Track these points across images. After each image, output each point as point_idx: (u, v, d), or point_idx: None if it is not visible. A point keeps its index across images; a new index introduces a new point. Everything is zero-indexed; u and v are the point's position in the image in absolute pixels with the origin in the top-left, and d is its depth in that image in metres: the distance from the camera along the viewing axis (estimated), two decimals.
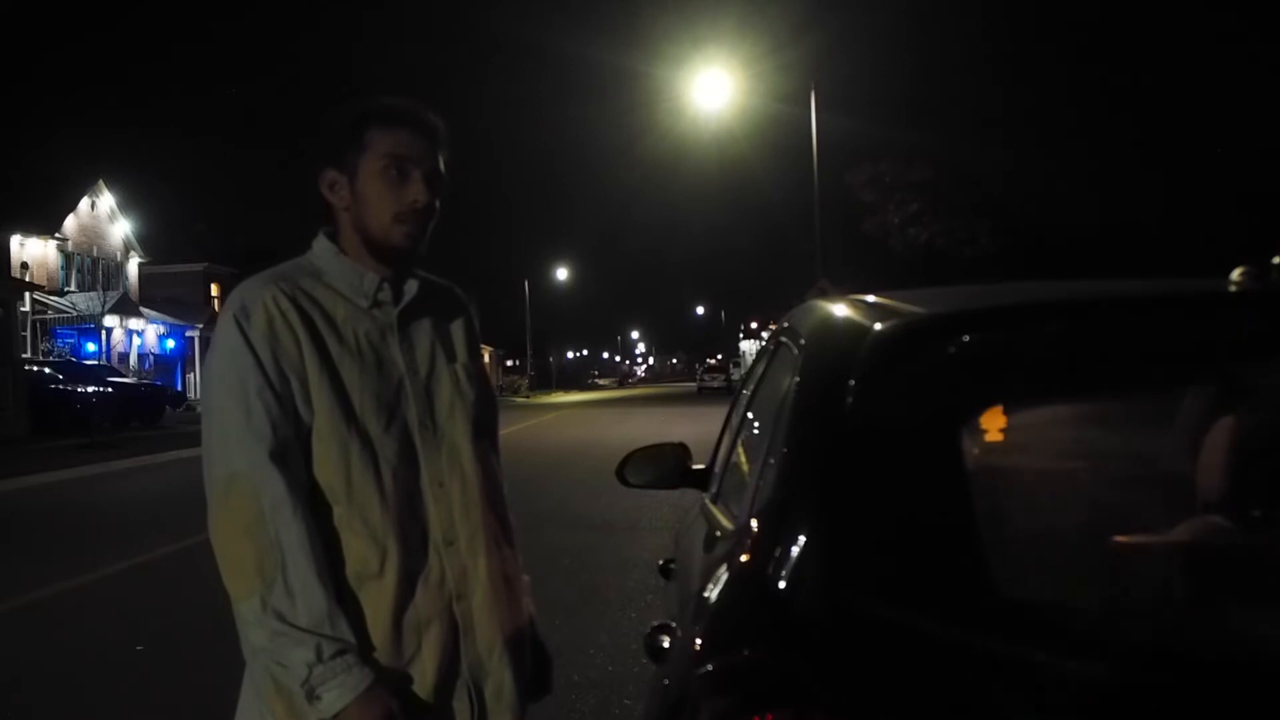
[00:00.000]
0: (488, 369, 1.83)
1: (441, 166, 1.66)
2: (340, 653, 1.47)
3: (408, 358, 1.65)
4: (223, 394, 1.53)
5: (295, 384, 1.54)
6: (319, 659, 1.45)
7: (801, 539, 1.22)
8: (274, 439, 1.50)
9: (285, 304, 1.57)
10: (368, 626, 1.54)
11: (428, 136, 1.64)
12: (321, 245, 1.67)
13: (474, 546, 1.63)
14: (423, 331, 1.68)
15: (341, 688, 1.45)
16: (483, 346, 1.82)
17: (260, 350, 1.53)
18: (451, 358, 1.70)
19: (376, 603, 1.54)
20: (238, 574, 1.50)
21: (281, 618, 1.46)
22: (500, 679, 1.64)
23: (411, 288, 1.67)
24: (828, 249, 21.60)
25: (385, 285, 1.64)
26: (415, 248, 1.64)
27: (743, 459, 2.13)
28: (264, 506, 1.48)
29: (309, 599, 1.47)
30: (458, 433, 1.66)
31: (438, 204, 1.65)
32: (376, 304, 1.64)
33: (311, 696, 1.45)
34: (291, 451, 1.53)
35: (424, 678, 1.57)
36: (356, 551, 1.54)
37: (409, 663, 1.56)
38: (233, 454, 1.51)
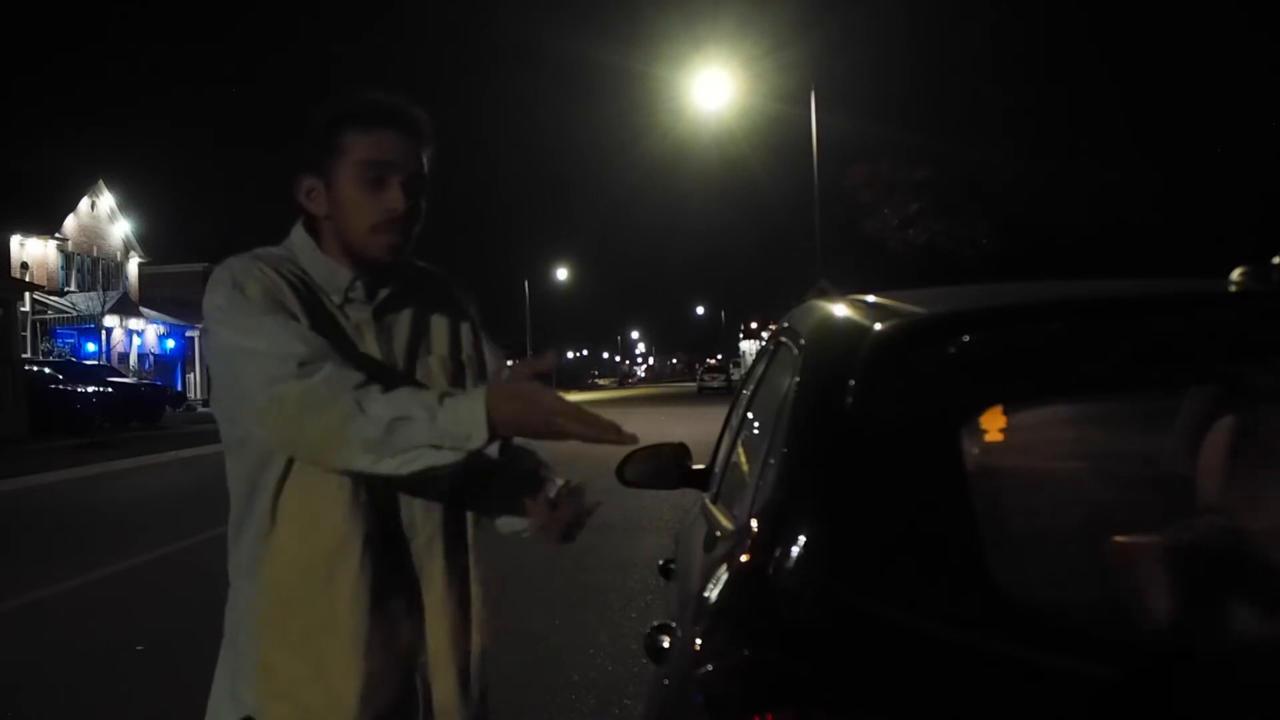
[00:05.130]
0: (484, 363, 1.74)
1: (425, 166, 1.58)
2: (449, 393, 1.39)
3: (385, 352, 1.59)
4: (235, 347, 1.46)
5: None
6: (440, 398, 1.37)
7: (802, 539, 1.22)
8: (308, 350, 1.42)
9: (276, 278, 1.52)
10: (334, 606, 1.50)
11: (409, 135, 1.56)
12: (299, 237, 1.61)
13: (432, 548, 1.58)
14: (401, 324, 1.62)
15: (470, 398, 1.36)
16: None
17: (264, 305, 1.48)
18: (429, 351, 1.64)
19: (352, 594, 1.51)
20: (328, 442, 1.39)
21: (386, 417, 1.36)
22: (446, 688, 1.59)
23: (384, 290, 1.60)
24: (828, 249, 21.61)
25: (358, 284, 1.58)
26: (396, 258, 1.57)
27: (743, 459, 2.13)
28: (316, 383, 1.39)
29: (400, 395, 1.39)
30: None
31: (423, 205, 1.58)
32: (348, 300, 1.58)
33: (450, 433, 1.35)
34: (335, 357, 1.44)
35: (383, 660, 1.52)
36: (332, 531, 1.50)
37: (379, 649, 1.52)
38: (264, 381, 1.41)
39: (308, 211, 1.59)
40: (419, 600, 1.57)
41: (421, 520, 1.58)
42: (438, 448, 1.36)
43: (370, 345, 1.57)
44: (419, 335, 1.64)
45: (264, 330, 1.45)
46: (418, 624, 1.57)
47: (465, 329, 1.71)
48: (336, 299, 1.57)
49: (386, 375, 1.53)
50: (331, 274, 1.58)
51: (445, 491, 1.59)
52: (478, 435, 1.35)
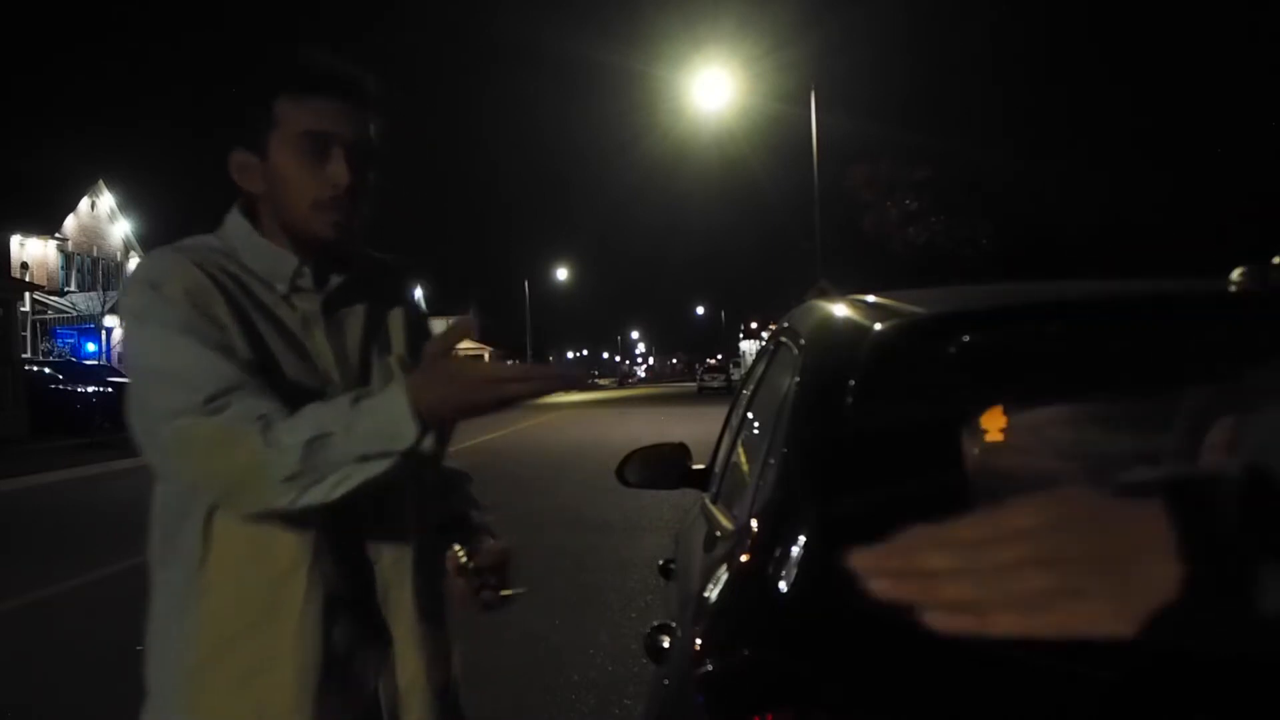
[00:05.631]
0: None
1: (372, 133, 1.41)
2: (363, 394, 1.25)
3: (336, 346, 1.41)
4: (143, 363, 1.31)
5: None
6: (354, 403, 1.23)
7: (801, 539, 1.22)
8: (215, 384, 1.27)
9: (200, 275, 1.33)
10: (277, 644, 1.33)
11: (351, 100, 1.38)
12: (235, 222, 1.43)
13: (399, 569, 1.41)
14: (354, 319, 1.45)
15: (388, 393, 1.22)
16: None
17: (182, 312, 1.30)
18: (386, 349, 1.47)
19: (298, 627, 1.33)
20: (241, 484, 1.25)
21: (298, 443, 1.21)
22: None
23: (337, 277, 1.43)
24: (828, 249, 21.62)
25: (306, 270, 1.41)
26: (342, 237, 1.39)
27: (743, 459, 2.13)
28: (223, 421, 1.24)
29: (307, 415, 1.24)
30: None
31: (372, 179, 1.41)
32: (295, 289, 1.41)
33: (375, 437, 1.21)
34: (246, 385, 1.27)
35: (334, 704, 1.35)
36: (278, 555, 1.33)
37: (330, 688, 1.35)
38: (168, 411, 1.27)
39: (243, 190, 1.43)
40: (381, 632, 1.41)
41: (387, 539, 1.40)
42: (365, 459, 1.21)
43: (319, 342, 1.41)
44: (375, 331, 1.47)
45: (173, 349, 1.28)
46: (378, 659, 1.40)
47: (419, 326, 1.56)
48: (282, 288, 1.40)
49: (333, 378, 1.39)
50: (275, 260, 1.40)
51: (406, 505, 1.42)
52: (407, 431, 1.20)
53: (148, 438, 1.33)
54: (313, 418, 1.23)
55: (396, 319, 1.51)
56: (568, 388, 1.23)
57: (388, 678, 1.41)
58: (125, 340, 1.35)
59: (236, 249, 1.41)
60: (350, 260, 1.45)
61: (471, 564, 1.45)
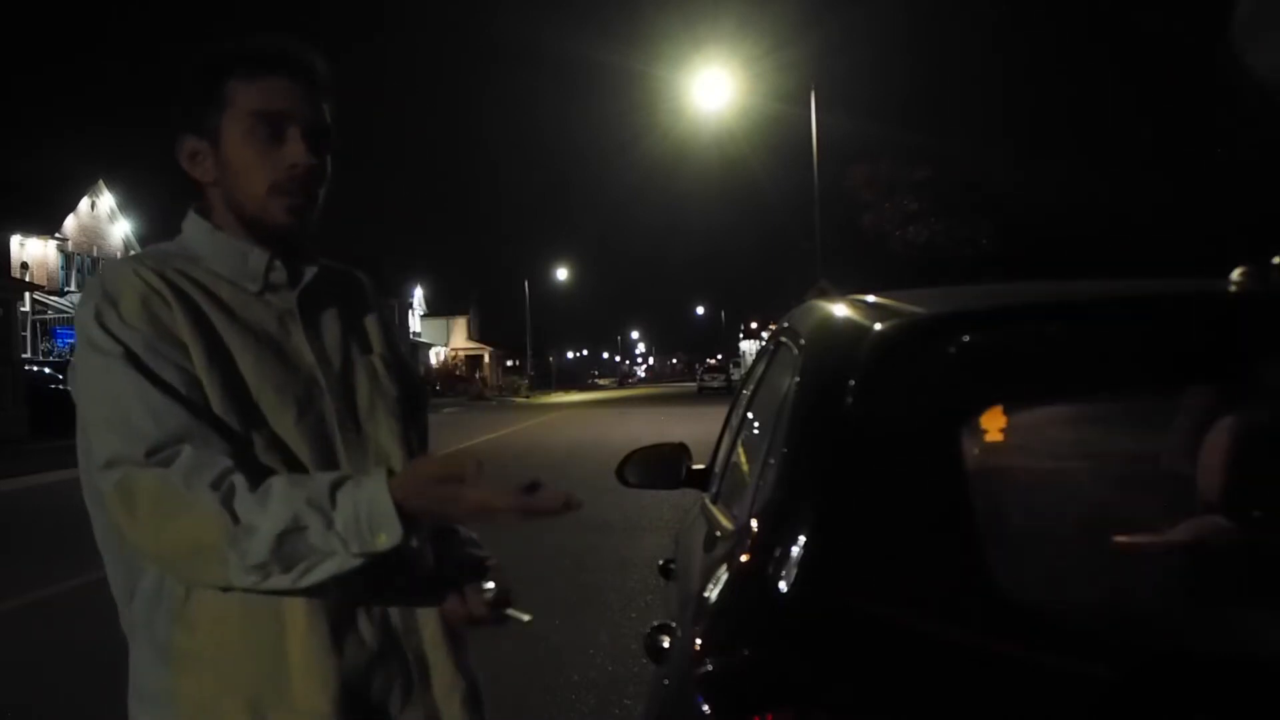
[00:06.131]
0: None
1: (328, 118, 1.35)
2: (339, 482, 1.18)
3: (316, 345, 1.35)
4: (85, 389, 1.23)
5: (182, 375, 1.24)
6: (331, 496, 1.16)
7: (801, 539, 1.22)
8: (159, 432, 1.19)
9: (158, 283, 1.26)
10: (300, 681, 1.24)
11: (305, 82, 1.33)
12: (193, 224, 1.36)
13: (423, 576, 1.35)
14: (330, 319, 1.39)
15: (371, 488, 1.15)
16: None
17: (140, 335, 1.23)
18: (366, 349, 1.42)
19: (308, 652, 1.25)
20: (196, 561, 1.17)
21: (269, 534, 1.15)
22: None
23: (310, 269, 1.38)
24: (828, 249, 21.65)
25: (277, 264, 1.34)
26: (301, 222, 1.33)
27: (743, 459, 2.13)
28: (173, 479, 1.16)
29: (278, 495, 1.16)
30: (383, 435, 1.36)
31: (328, 165, 1.35)
32: (269, 287, 1.34)
33: (354, 535, 1.15)
34: (195, 434, 1.20)
35: None
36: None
37: (353, 708, 1.27)
38: (104, 457, 1.20)
39: (194, 181, 1.36)
40: (402, 640, 1.33)
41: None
42: (343, 549, 1.15)
43: (298, 341, 1.34)
44: (352, 331, 1.42)
45: (120, 385, 1.20)
46: (402, 673, 1.33)
47: (392, 328, 1.52)
48: (254, 287, 1.34)
49: (316, 377, 1.33)
50: (242, 258, 1.34)
51: None
52: (390, 533, 1.14)
53: (87, 483, 1.27)
54: (285, 498, 1.16)
55: (371, 320, 1.47)
56: (565, 511, 1.15)
57: (421, 688, 1.34)
58: (74, 364, 1.27)
59: (199, 253, 1.34)
60: (312, 253, 1.40)
61: (490, 593, 1.37)
